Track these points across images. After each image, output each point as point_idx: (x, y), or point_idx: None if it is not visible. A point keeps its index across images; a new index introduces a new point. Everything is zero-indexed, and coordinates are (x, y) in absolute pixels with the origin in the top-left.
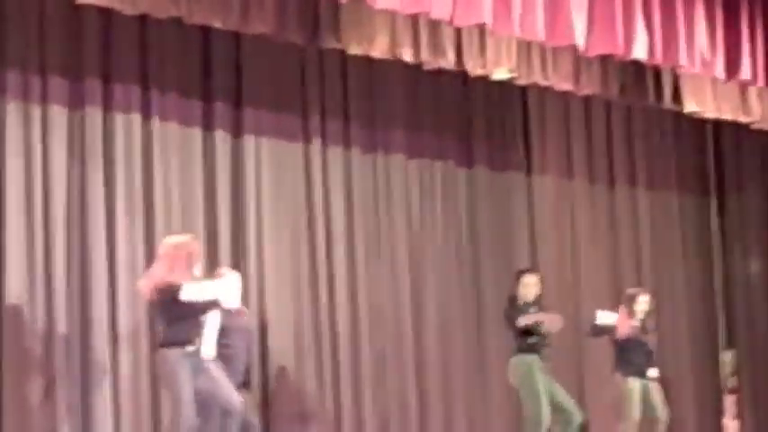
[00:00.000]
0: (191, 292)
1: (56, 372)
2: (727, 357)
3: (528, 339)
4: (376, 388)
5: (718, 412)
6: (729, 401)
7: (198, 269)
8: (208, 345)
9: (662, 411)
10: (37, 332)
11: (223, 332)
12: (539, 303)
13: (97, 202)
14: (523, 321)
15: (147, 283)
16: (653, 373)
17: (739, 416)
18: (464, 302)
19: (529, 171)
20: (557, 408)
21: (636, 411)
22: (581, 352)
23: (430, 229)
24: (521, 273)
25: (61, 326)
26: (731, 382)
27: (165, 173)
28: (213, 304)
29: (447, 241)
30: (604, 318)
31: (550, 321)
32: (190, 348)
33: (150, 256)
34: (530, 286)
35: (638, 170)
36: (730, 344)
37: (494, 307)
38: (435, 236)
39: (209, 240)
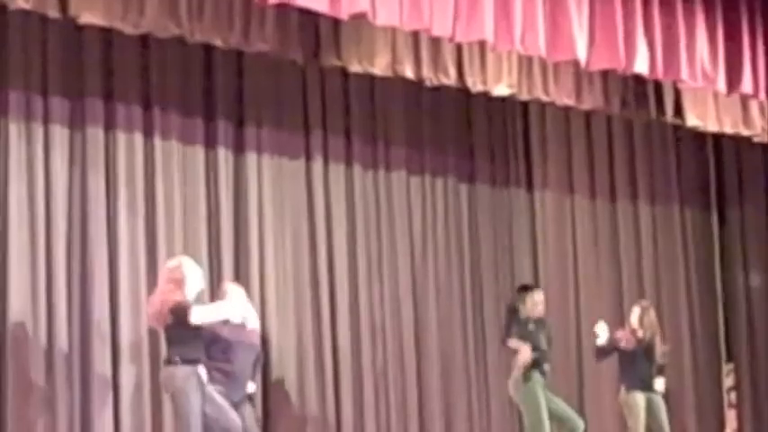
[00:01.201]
0: (202, 314)
1: (56, 384)
2: (727, 371)
3: (540, 361)
4: (377, 404)
5: (720, 425)
6: (730, 416)
7: (192, 291)
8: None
9: (665, 426)
10: (39, 345)
11: (230, 347)
12: (542, 323)
13: (99, 220)
14: (513, 345)
15: (155, 306)
16: (659, 385)
17: (740, 430)
18: (465, 318)
19: (530, 186)
20: (559, 419)
21: (641, 425)
22: (581, 366)
23: (431, 245)
24: (528, 288)
25: (62, 339)
26: (731, 396)
27: (168, 191)
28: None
29: (449, 257)
30: (602, 332)
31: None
32: (199, 368)
33: (152, 274)
34: (537, 304)
35: (640, 184)
36: (730, 357)
37: (495, 323)
38: (437, 252)
39: (212, 257)
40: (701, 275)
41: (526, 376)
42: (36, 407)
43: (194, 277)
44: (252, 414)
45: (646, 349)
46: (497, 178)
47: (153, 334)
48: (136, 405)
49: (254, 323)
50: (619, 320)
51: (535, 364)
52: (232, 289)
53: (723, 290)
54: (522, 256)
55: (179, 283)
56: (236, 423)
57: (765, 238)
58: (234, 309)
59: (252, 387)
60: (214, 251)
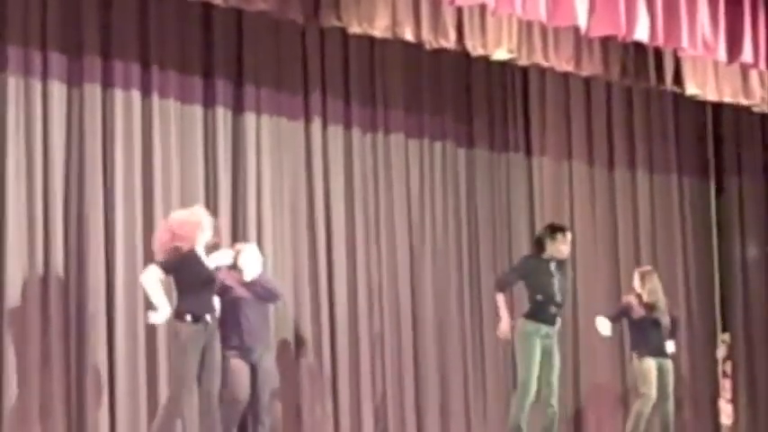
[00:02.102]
0: (149, 280)
1: (53, 341)
2: (722, 341)
3: (537, 306)
4: (373, 366)
5: (714, 395)
6: (724, 385)
7: (204, 237)
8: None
9: (670, 391)
10: (35, 306)
11: (242, 306)
12: (563, 266)
13: (96, 177)
14: (499, 302)
15: (162, 234)
16: (670, 347)
17: (734, 399)
18: (462, 281)
19: (528, 152)
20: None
21: (653, 390)
22: (576, 335)
23: (429, 208)
24: (561, 228)
25: (58, 295)
26: (726, 365)
27: (165, 150)
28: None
29: (446, 221)
30: (603, 326)
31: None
32: (201, 323)
33: (148, 232)
34: (566, 245)
35: (638, 152)
36: (726, 327)
37: (491, 288)
38: (434, 215)
39: None
40: (698, 244)
41: (529, 315)
42: (32, 364)
43: (209, 223)
44: (272, 368)
45: (654, 315)
46: (496, 143)
47: (146, 295)
48: (131, 363)
49: (266, 279)
50: (615, 287)
51: (539, 311)
52: (247, 248)
53: (719, 259)
54: (519, 220)
55: (197, 228)
56: (242, 394)
57: (763, 207)
58: (162, 304)
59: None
60: (211, 210)
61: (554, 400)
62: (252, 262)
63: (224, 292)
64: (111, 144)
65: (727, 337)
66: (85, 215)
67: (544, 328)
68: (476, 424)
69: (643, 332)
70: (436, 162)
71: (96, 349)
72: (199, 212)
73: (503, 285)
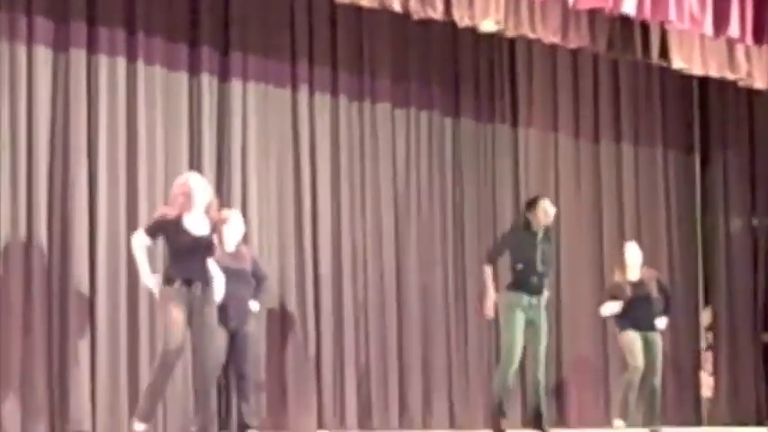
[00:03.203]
0: (137, 246)
1: (35, 306)
2: (704, 313)
3: (518, 276)
4: (357, 334)
5: (696, 367)
6: (706, 358)
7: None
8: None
9: (658, 365)
10: (17, 266)
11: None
12: (549, 233)
13: (80, 143)
14: (487, 273)
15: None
16: (661, 323)
17: (715, 371)
18: (446, 251)
19: (515, 123)
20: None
21: (639, 360)
22: (559, 309)
23: (414, 178)
24: (538, 198)
25: (42, 261)
26: (708, 338)
27: (150, 116)
28: (207, 240)
29: (431, 190)
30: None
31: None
32: (190, 290)
33: (132, 199)
34: (549, 212)
35: (623, 124)
36: (708, 301)
37: (476, 257)
38: (420, 185)
39: None
40: (682, 217)
41: (510, 286)
42: (14, 331)
43: (201, 190)
44: (251, 336)
45: (641, 291)
46: (482, 114)
47: (131, 256)
48: (112, 329)
49: (245, 250)
50: (598, 259)
51: (519, 280)
52: (232, 214)
53: (703, 232)
54: (504, 192)
55: (187, 195)
56: (215, 360)
57: (747, 181)
58: (150, 281)
59: (255, 306)
60: None
61: (540, 374)
62: (234, 232)
63: None
64: (96, 110)
65: (709, 309)
66: (70, 181)
67: (526, 298)
68: (458, 394)
69: (629, 307)
70: (422, 132)
71: (79, 317)
72: (191, 180)
73: (492, 257)
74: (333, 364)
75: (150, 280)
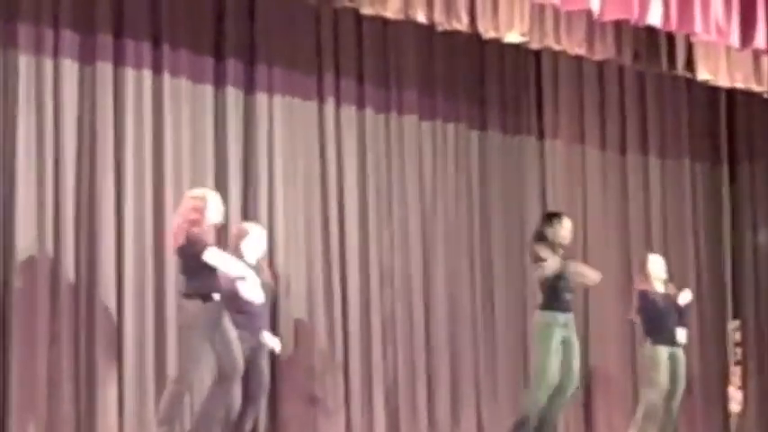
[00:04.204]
0: (216, 257)
1: (62, 320)
2: (733, 328)
3: (552, 295)
4: (385, 348)
5: (724, 381)
6: (734, 372)
7: (211, 221)
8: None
9: (682, 381)
10: (45, 279)
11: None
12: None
13: (107, 156)
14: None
15: (176, 228)
16: (682, 336)
17: (744, 386)
18: (474, 264)
19: (541, 135)
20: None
21: (664, 379)
22: (587, 318)
23: (441, 191)
24: (559, 214)
25: (69, 276)
26: (737, 353)
27: (176, 129)
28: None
29: (458, 203)
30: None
31: (588, 274)
32: (210, 302)
33: (158, 212)
34: (568, 230)
35: (650, 137)
36: (737, 314)
37: (503, 271)
38: (447, 198)
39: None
40: (710, 231)
41: (544, 306)
42: (41, 342)
43: (215, 209)
44: (265, 357)
45: (668, 302)
46: (508, 126)
47: (158, 269)
48: (139, 341)
49: (264, 262)
50: (626, 273)
51: (553, 298)
52: (253, 229)
53: (731, 246)
54: (531, 204)
55: (200, 211)
56: (238, 364)
57: None
58: (245, 270)
59: (271, 341)
60: (222, 191)
61: (569, 392)
62: (254, 246)
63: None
64: (122, 123)
65: (737, 323)
66: (96, 194)
67: (561, 317)
68: (486, 407)
69: (660, 319)
70: (449, 144)
71: (105, 328)
72: (203, 196)
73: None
74: (360, 377)
75: (241, 268)
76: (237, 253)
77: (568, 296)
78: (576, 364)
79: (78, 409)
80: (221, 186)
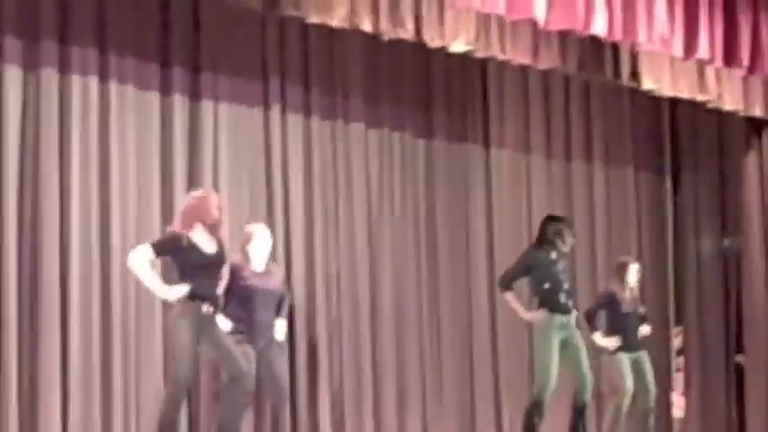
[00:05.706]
0: (138, 266)
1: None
2: (675, 333)
3: (546, 296)
4: (331, 355)
5: (667, 388)
6: (677, 378)
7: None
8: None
9: (651, 382)
10: None
11: (251, 295)
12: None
13: (52, 164)
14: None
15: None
16: (645, 330)
17: (686, 392)
18: (420, 271)
19: (487, 143)
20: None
21: (629, 383)
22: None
23: (388, 198)
24: (556, 218)
25: (11, 281)
26: (679, 359)
27: (122, 137)
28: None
29: (404, 211)
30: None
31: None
32: (200, 307)
33: (104, 220)
34: (567, 236)
35: (595, 146)
36: (679, 321)
37: (449, 276)
38: (393, 204)
39: (165, 206)
40: (653, 239)
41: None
42: None
43: (214, 209)
44: (282, 360)
45: (638, 308)
46: (454, 134)
47: (104, 276)
48: (85, 351)
49: (275, 268)
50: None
51: (549, 300)
52: (257, 231)
53: (674, 254)
54: (476, 211)
55: (197, 210)
56: (240, 368)
57: (718, 203)
58: (163, 293)
59: (281, 334)
60: (168, 198)
61: (587, 397)
62: (260, 249)
63: (236, 278)
64: (68, 130)
65: (680, 330)
66: (40, 203)
67: (558, 318)
68: (432, 410)
69: (625, 326)
70: (395, 151)
71: (49, 340)
72: (200, 196)
73: (507, 283)
74: (307, 382)
75: (164, 289)
76: (245, 257)
77: (564, 297)
78: (585, 368)
79: (21, 418)
80: (167, 193)
